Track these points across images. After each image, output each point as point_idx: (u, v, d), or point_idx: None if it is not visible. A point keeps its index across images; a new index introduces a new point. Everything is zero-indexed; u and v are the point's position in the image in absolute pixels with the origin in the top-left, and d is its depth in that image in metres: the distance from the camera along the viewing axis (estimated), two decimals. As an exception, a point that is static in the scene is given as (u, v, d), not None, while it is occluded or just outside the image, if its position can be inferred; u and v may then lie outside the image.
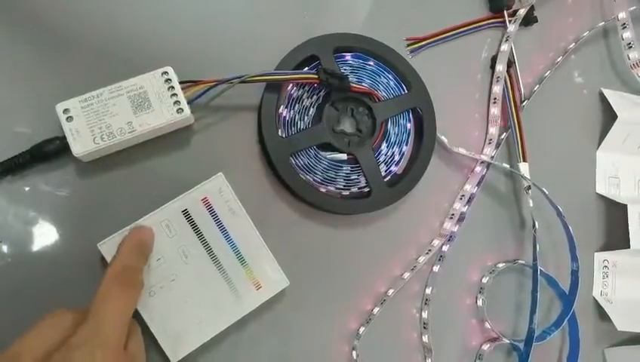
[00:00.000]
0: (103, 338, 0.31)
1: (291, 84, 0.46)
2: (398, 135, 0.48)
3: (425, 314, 0.49)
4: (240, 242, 0.42)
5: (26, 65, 0.41)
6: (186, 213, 0.41)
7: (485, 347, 0.50)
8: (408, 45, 0.51)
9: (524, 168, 0.52)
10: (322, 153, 0.46)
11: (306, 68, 0.46)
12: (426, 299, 0.49)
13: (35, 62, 0.41)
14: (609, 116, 0.57)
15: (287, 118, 0.45)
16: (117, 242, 0.39)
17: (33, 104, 0.40)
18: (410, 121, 0.49)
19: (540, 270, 0.49)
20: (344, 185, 0.46)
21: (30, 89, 0.41)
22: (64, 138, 0.38)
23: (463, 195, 0.51)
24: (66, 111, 0.38)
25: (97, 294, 0.33)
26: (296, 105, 0.46)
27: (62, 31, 0.42)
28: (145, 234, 0.39)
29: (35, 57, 0.41)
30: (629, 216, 0.54)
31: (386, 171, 0.47)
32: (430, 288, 0.49)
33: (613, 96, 0.57)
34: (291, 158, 0.45)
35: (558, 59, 0.56)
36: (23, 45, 0.41)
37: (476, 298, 0.51)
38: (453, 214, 0.50)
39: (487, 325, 0.50)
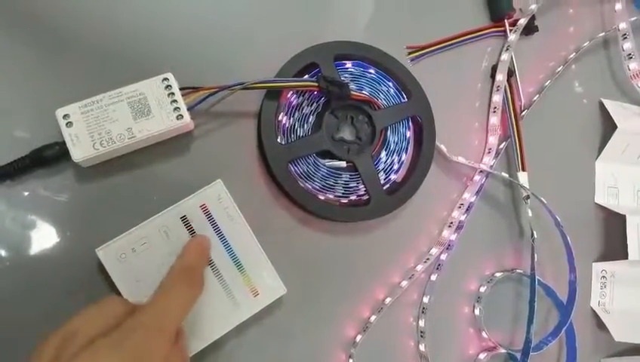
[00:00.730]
0: (162, 325, 0.32)
1: (291, 92, 0.46)
2: (397, 143, 0.48)
3: (422, 323, 0.48)
4: (238, 249, 0.42)
5: (27, 70, 0.41)
6: (184, 219, 0.41)
7: (482, 356, 0.50)
8: (409, 53, 0.52)
9: (523, 178, 0.52)
10: (321, 160, 0.46)
11: (307, 75, 0.46)
12: (424, 308, 0.49)
13: (35, 67, 0.41)
14: (609, 126, 0.57)
15: (287, 126, 0.45)
16: (115, 248, 0.39)
17: (33, 109, 0.40)
18: (409, 129, 0.49)
19: (538, 279, 0.49)
20: (343, 193, 0.46)
21: (30, 94, 0.41)
22: (64, 143, 0.38)
23: (461, 204, 0.51)
24: (65, 116, 0.38)
25: (161, 286, 0.35)
26: (296, 113, 0.46)
27: (63, 36, 0.42)
28: (206, 240, 0.41)
29: (35, 62, 0.41)
30: (627, 226, 0.54)
31: (385, 179, 0.47)
32: (428, 296, 0.49)
33: (613, 107, 0.57)
34: (290, 166, 0.45)
35: (559, 69, 0.56)
36: (24, 50, 0.41)
37: (474, 307, 0.51)
38: (451, 223, 0.50)
39: (485, 334, 0.50)
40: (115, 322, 0.32)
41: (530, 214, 0.51)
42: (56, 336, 0.31)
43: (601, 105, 0.57)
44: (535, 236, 0.50)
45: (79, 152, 0.38)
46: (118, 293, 0.39)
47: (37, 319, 0.39)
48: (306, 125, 0.46)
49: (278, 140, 0.45)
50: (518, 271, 0.52)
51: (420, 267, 0.49)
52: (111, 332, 0.31)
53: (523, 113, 0.54)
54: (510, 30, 0.54)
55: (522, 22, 0.54)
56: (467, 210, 0.51)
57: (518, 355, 0.49)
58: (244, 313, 0.42)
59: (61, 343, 0.30)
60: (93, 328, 0.31)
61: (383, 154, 0.48)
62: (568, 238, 0.50)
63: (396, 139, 0.48)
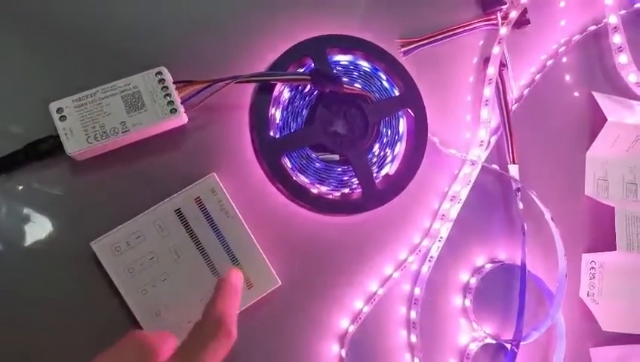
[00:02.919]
0: None
1: (284, 85, 0.46)
2: (390, 136, 0.49)
3: (413, 314, 0.49)
4: (232, 242, 0.42)
5: (20, 64, 0.41)
6: (178, 212, 0.41)
7: (473, 346, 0.50)
8: (401, 47, 0.52)
9: (513, 170, 0.53)
10: (315, 154, 0.46)
11: (300, 69, 0.47)
12: (415, 299, 0.49)
13: (28, 61, 0.41)
14: (599, 119, 0.57)
15: (280, 119, 0.46)
16: (110, 241, 0.39)
17: (27, 103, 0.40)
18: (402, 122, 0.49)
19: (528, 271, 0.50)
20: (336, 186, 0.47)
21: (24, 88, 0.41)
22: (58, 137, 0.38)
23: (453, 196, 0.51)
24: (59, 110, 0.38)
25: (193, 338, 0.34)
26: (289, 106, 0.46)
27: (56, 30, 0.42)
28: (240, 278, 0.40)
29: (28, 56, 0.41)
30: (616, 217, 0.55)
31: (377, 172, 0.48)
32: (419, 288, 0.49)
33: (603, 99, 0.57)
34: (284, 159, 0.45)
35: (550, 62, 0.56)
36: (17, 44, 0.41)
37: (464, 298, 0.51)
38: (443, 215, 0.51)
39: (475, 325, 0.50)
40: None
41: (520, 206, 0.52)
42: None
43: (592, 98, 0.58)
44: (525, 228, 0.51)
45: (73, 146, 0.38)
46: (115, 288, 0.40)
47: (31, 313, 0.39)
48: (299, 119, 0.46)
49: (271, 134, 0.45)
50: (508, 262, 0.52)
51: (411, 259, 0.49)
52: None
53: (514, 106, 0.54)
54: (502, 23, 0.55)
55: (514, 15, 0.54)
56: (458, 202, 0.51)
57: (509, 345, 0.50)
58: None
59: None
60: None
61: (376, 147, 0.48)
62: (558, 230, 0.51)
63: (389, 132, 0.49)
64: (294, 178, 0.45)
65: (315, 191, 0.46)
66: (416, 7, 0.53)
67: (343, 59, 0.48)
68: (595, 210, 0.57)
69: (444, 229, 0.51)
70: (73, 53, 0.42)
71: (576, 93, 0.58)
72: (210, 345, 0.33)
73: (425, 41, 0.53)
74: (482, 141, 0.53)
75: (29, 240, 0.39)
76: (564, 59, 0.58)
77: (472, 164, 0.52)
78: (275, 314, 0.45)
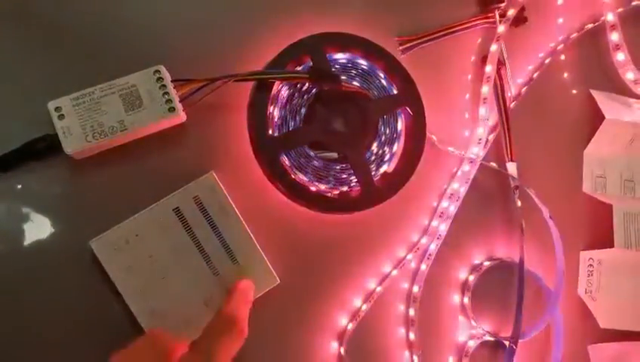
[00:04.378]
0: None
1: (283, 83, 0.46)
2: (388, 134, 0.49)
3: (412, 311, 0.49)
4: (231, 240, 0.42)
5: (18, 63, 0.41)
6: (177, 210, 0.42)
7: (471, 344, 0.51)
8: (399, 45, 0.52)
9: (512, 168, 0.53)
10: (313, 152, 0.46)
11: (298, 67, 0.47)
12: (414, 297, 0.50)
13: (27, 60, 0.41)
14: (597, 116, 0.57)
15: (279, 117, 0.46)
16: (109, 240, 0.39)
17: (25, 102, 0.40)
18: (400, 120, 0.49)
19: (526, 268, 0.50)
20: (334, 184, 0.47)
21: (22, 87, 0.41)
22: (56, 136, 0.38)
23: (451, 194, 0.51)
24: (57, 109, 0.38)
25: (208, 333, 0.36)
26: (288, 104, 0.46)
27: (54, 29, 0.42)
28: (251, 286, 0.42)
29: (27, 56, 0.41)
30: (614, 215, 0.55)
31: (376, 170, 0.48)
32: (417, 285, 0.50)
33: (601, 97, 0.57)
34: (282, 157, 0.45)
35: (548, 60, 0.56)
36: (16, 43, 0.41)
37: (463, 295, 0.51)
38: (441, 213, 0.51)
39: (474, 322, 0.51)
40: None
41: (519, 204, 0.52)
42: None
43: (590, 96, 0.58)
44: (524, 225, 0.51)
45: (71, 145, 0.38)
46: (113, 287, 0.40)
47: (30, 312, 0.39)
48: (297, 117, 0.46)
49: (270, 132, 0.45)
50: (506, 260, 0.52)
51: (409, 256, 0.49)
52: None
53: (512, 103, 0.54)
54: (500, 21, 0.55)
55: (511, 13, 0.54)
56: (457, 200, 0.51)
57: (507, 342, 0.50)
58: (237, 303, 0.42)
59: None
60: None
61: (375, 145, 0.48)
62: (556, 227, 0.51)
63: (387, 130, 0.49)
64: (293, 176, 0.45)
65: (313, 189, 0.46)
66: (414, 5, 0.53)
67: (342, 57, 0.48)
68: (592, 208, 0.57)
69: (442, 227, 0.51)
70: (71, 52, 0.42)
71: (574, 91, 0.58)
72: (223, 340, 0.35)
73: (423, 39, 0.53)
74: (480, 139, 0.53)
75: (28, 238, 0.39)
76: (562, 57, 0.58)
77: (471, 162, 0.52)
78: (274, 312, 0.45)
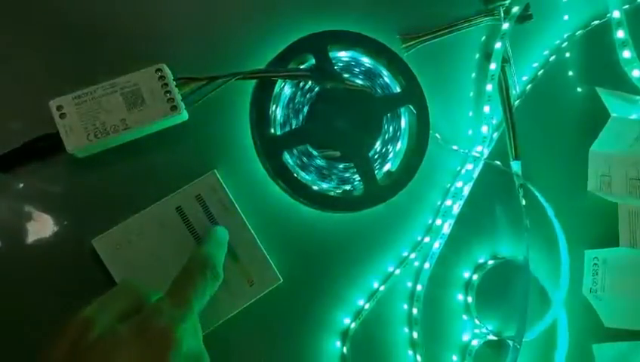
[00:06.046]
0: (183, 312, 0.32)
1: (285, 82, 0.46)
2: (392, 132, 0.48)
3: (415, 311, 0.49)
4: (233, 239, 0.42)
5: (20, 62, 0.41)
6: (179, 209, 0.41)
7: (475, 343, 0.50)
8: (403, 43, 0.51)
9: (516, 166, 0.52)
10: (316, 151, 0.46)
11: (301, 65, 0.46)
12: (417, 296, 0.49)
13: (28, 58, 0.41)
14: (602, 114, 0.57)
15: (281, 116, 0.45)
16: (111, 238, 0.39)
17: (26, 101, 0.40)
18: (404, 118, 0.49)
19: (531, 267, 0.50)
20: (337, 183, 0.46)
21: (23, 86, 0.41)
22: (57, 134, 0.38)
23: (455, 193, 0.51)
24: (59, 108, 0.38)
25: (182, 275, 0.35)
26: (291, 103, 0.46)
27: (55, 27, 0.42)
28: (226, 233, 0.41)
29: (29, 54, 0.41)
30: (619, 213, 0.54)
31: (379, 168, 0.48)
32: (421, 285, 0.49)
33: (607, 95, 0.57)
34: (285, 156, 0.45)
35: (552, 58, 0.56)
36: (17, 42, 0.41)
37: (467, 294, 0.51)
38: (445, 211, 0.51)
39: (477, 321, 0.50)
40: (132, 308, 0.32)
41: (523, 202, 0.51)
42: (70, 327, 0.29)
43: (595, 94, 0.57)
44: (528, 224, 0.50)
45: (73, 143, 0.38)
46: (115, 284, 0.39)
47: (34, 310, 0.39)
48: (300, 115, 0.46)
49: (272, 131, 0.45)
50: (510, 258, 0.52)
51: (413, 255, 0.49)
52: (130, 319, 0.30)
53: (517, 101, 0.54)
54: (504, 18, 0.54)
55: (516, 10, 0.54)
56: (461, 198, 0.51)
57: (511, 342, 0.49)
58: (240, 302, 0.42)
59: (76, 335, 0.29)
60: (110, 315, 0.30)
61: (378, 143, 0.48)
62: (561, 226, 0.51)
63: (390, 129, 0.48)
64: (295, 175, 0.45)
65: (316, 188, 0.46)
66: (417, 3, 0.53)
67: (345, 55, 0.48)
68: (598, 206, 0.57)
69: (446, 226, 0.50)
70: (73, 50, 0.42)
71: (579, 89, 0.58)
72: (198, 282, 0.35)
73: (427, 37, 0.52)
74: (485, 137, 0.53)
75: (30, 237, 0.39)
76: (567, 55, 0.58)
77: (475, 160, 0.52)
78: (277, 311, 0.45)
